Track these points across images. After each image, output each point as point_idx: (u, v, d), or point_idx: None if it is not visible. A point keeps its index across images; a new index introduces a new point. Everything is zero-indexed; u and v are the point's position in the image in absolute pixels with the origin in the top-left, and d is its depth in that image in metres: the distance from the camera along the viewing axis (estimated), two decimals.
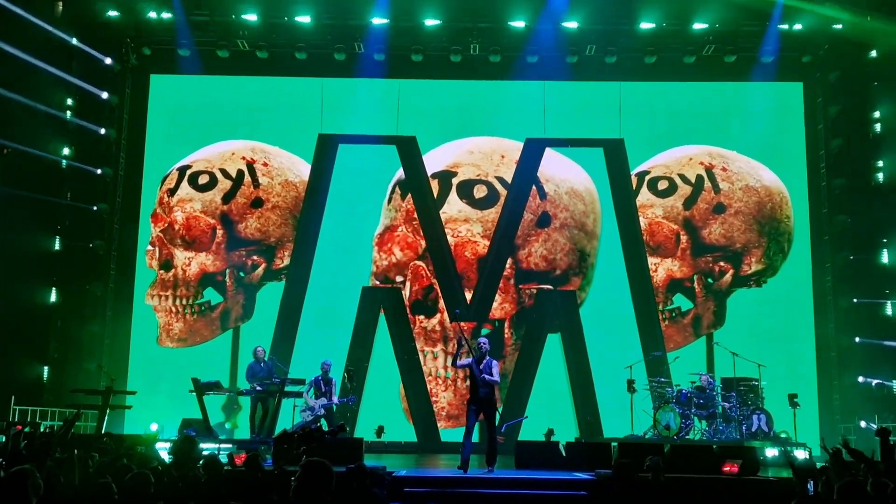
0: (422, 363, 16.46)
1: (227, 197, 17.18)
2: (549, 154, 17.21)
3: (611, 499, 7.56)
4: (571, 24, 16.57)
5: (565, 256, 16.97)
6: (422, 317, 16.73)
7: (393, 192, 17.19)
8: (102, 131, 17.08)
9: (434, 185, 17.01)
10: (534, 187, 16.99)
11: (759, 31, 16.55)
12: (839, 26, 16.29)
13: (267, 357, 14.53)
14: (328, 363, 13.95)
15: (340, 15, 16.55)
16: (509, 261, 16.73)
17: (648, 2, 16.16)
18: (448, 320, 16.40)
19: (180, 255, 16.99)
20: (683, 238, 17.02)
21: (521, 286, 16.77)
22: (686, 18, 16.44)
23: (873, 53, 16.60)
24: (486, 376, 10.49)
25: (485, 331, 16.61)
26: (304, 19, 16.54)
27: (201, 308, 17.03)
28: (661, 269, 17.02)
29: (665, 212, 17.15)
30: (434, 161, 17.19)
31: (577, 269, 16.99)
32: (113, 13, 16.56)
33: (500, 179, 17.05)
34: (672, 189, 17.23)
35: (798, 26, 16.51)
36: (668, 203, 17.18)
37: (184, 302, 16.92)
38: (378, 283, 16.86)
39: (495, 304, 16.65)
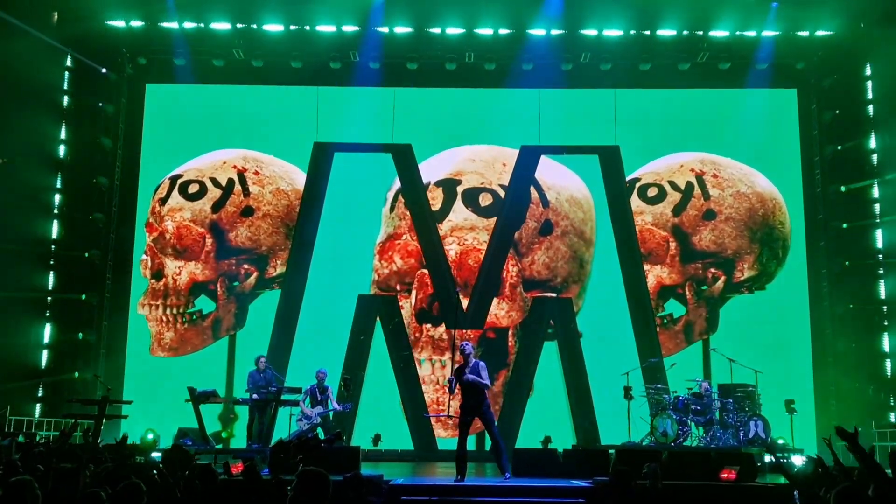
0: (429, 371, 16.36)
1: (217, 206, 17.11)
2: (549, 162, 17.22)
3: None
4: (565, 32, 16.61)
5: (565, 264, 16.95)
6: (428, 325, 16.64)
7: (395, 199, 17.15)
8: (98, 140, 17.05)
9: (439, 192, 16.99)
10: (537, 195, 17.00)
11: (753, 37, 16.60)
12: (832, 33, 16.34)
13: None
14: (323, 372, 13.94)
15: (335, 23, 16.55)
16: (516, 269, 16.70)
17: (644, 9, 16.20)
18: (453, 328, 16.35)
19: (171, 265, 16.91)
20: (672, 245, 17.02)
21: (526, 294, 16.74)
22: (681, 25, 16.47)
23: (866, 59, 16.67)
24: (471, 376, 10.51)
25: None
26: (299, 27, 16.55)
27: (192, 317, 16.94)
28: (652, 275, 17.00)
29: (654, 219, 17.14)
30: (433, 169, 17.17)
31: (577, 276, 16.99)
32: (109, 23, 16.53)
33: (504, 188, 17.04)
34: (661, 196, 17.23)
35: (792, 33, 16.56)
36: (657, 210, 17.18)
37: (174, 311, 16.83)
38: (380, 291, 16.81)
39: (502, 313, 16.62)
